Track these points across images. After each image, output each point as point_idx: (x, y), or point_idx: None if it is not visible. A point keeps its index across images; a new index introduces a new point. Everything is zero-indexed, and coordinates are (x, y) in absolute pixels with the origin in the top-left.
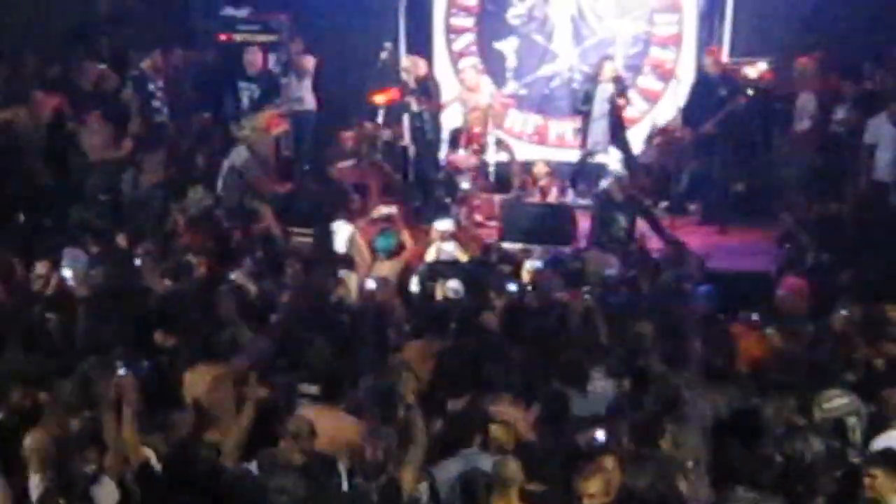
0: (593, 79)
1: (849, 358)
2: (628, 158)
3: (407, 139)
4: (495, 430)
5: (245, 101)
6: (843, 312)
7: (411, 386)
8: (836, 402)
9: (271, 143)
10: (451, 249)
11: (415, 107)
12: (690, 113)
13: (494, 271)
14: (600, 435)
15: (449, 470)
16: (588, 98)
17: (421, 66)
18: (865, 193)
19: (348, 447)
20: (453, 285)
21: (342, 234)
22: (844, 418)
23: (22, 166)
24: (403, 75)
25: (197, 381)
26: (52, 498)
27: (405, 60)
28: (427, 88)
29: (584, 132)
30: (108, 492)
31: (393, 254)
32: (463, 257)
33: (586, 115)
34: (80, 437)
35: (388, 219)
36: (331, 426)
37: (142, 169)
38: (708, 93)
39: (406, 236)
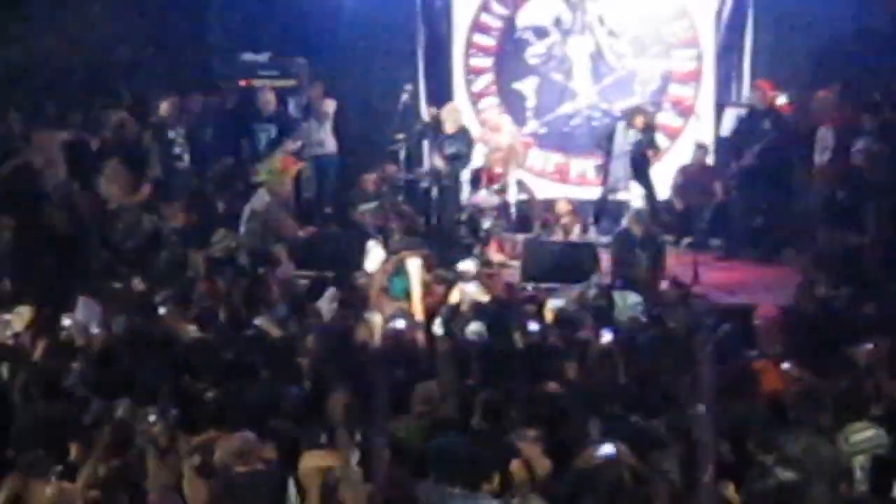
0: (616, 118)
1: (874, 392)
2: (650, 196)
3: (428, 181)
4: (517, 466)
5: (263, 143)
6: (868, 346)
7: None
8: (864, 434)
9: (290, 185)
10: (473, 290)
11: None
12: (734, 145)
13: (517, 312)
14: (608, 449)
15: None
16: (610, 137)
17: (459, 114)
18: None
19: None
20: (475, 328)
21: (375, 255)
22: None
23: (42, 212)
24: (431, 117)
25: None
26: None
27: (447, 108)
28: (464, 137)
29: (605, 170)
30: None
31: (408, 295)
32: (484, 298)
33: (607, 154)
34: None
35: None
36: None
37: (162, 216)
38: (753, 126)
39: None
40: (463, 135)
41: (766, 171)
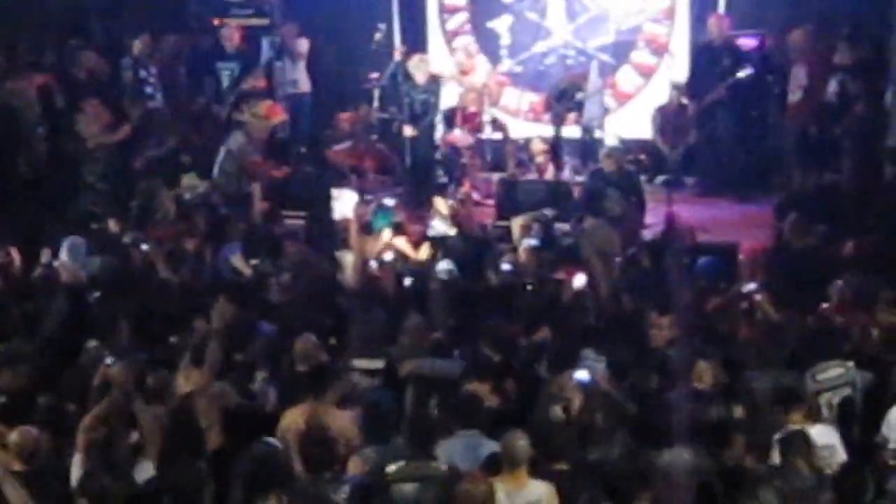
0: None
1: (845, 328)
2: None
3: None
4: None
5: (225, 81)
6: (839, 282)
7: None
8: (831, 372)
9: (268, 132)
10: (440, 226)
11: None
12: (695, 82)
13: (491, 250)
14: (581, 374)
15: (448, 451)
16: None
17: (428, 66)
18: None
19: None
20: (444, 266)
21: (347, 201)
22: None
23: (21, 151)
24: (413, 70)
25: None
26: (96, 478)
27: (415, 59)
28: (436, 88)
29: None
30: (146, 472)
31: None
32: (451, 231)
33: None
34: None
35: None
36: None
37: (151, 155)
38: (712, 61)
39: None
40: (432, 86)
41: (737, 109)
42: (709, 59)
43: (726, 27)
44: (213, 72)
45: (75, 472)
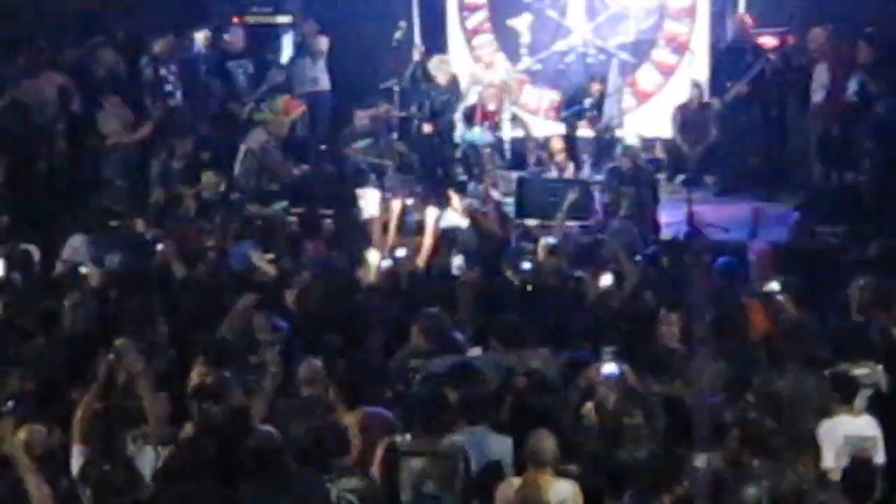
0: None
1: (865, 328)
2: None
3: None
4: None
5: (241, 80)
6: (860, 282)
7: None
8: (857, 371)
9: (288, 127)
10: (452, 217)
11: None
12: (718, 80)
13: (511, 248)
14: (609, 368)
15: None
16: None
17: (450, 67)
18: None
19: None
20: (458, 262)
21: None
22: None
23: (40, 150)
24: (434, 70)
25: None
26: (97, 466)
27: (436, 60)
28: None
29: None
30: (149, 459)
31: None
32: (463, 223)
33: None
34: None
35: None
36: None
37: (173, 154)
38: (735, 60)
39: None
40: (452, 86)
41: (753, 106)
42: (732, 58)
43: (749, 26)
44: (226, 71)
45: (75, 463)
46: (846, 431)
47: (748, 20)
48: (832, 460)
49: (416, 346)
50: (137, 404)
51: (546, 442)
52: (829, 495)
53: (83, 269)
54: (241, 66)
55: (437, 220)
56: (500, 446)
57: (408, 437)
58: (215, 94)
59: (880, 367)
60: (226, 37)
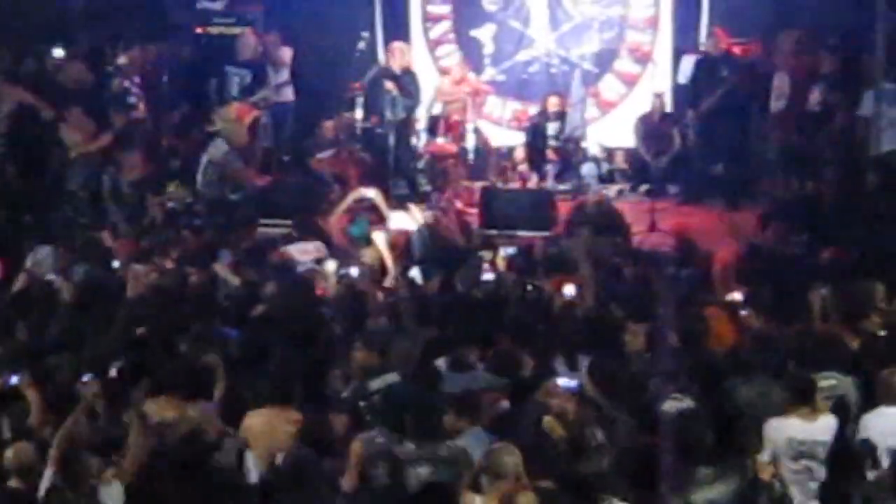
0: (573, 65)
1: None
2: None
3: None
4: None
5: (234, 88)
6: (822, 291)
7: None
8: (826, 382)
9: (246, 134)
10: (400, 220)
11: (395, 93)
12: (693, 92)
13: (470, 259)
14: (567, 381)
15: None
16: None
17: (407, 55)
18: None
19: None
20: (414, 273)
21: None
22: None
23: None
24: (388, 59)
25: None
26: (60, 493)
27: (396, 45)
28: (412, 78)
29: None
30: (115, 493)
31: (369, 240)
32: (412, 226)
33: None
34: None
35: (365, 202)
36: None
37: (122, 167)
38: (710, 73)
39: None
40: (410, 76)
41: (724, 118)
42: (706, 71)
43: (724, 38)
44: (220, 75)
45: (43, 485)
46: (792, 434)
47: (723, 33)
48: (767, 457)
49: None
50: (116, 435)
51: (506, 457)
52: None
53: (54, 281)
54: (238, 75)
55: (387, 239)
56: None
57: (410, 445)
58: (181, 106)
59: (849, 379)
60: (241, 39)
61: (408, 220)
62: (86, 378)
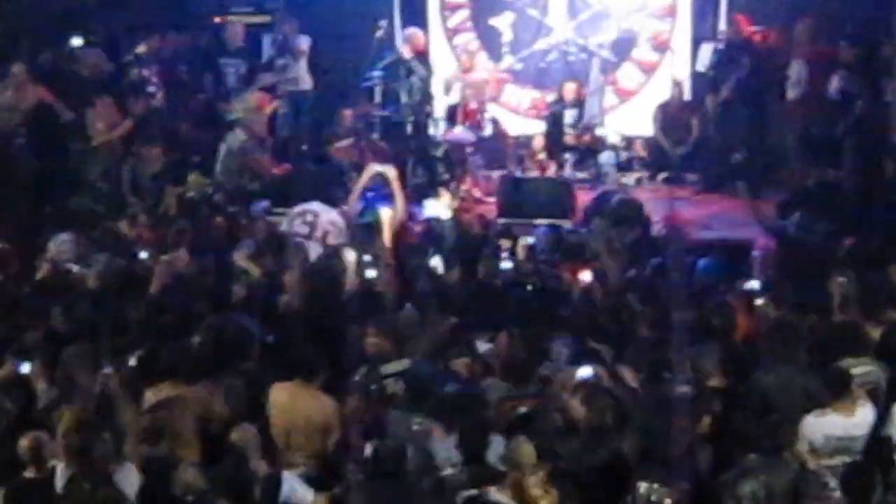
0: (591, 54)
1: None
2: None
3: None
4: None
5: (231, 79)
6: (840, 279)
7: None
8: (858, 370)
9: (265, 123)
10: (434, 207)
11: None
12: (712, 80)
13: (488, 248)
14: (585, 371)
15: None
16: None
17: (421, 40)
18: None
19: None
20: (434, 262)
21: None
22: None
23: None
24: (400, 45)
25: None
26: (77, 484)
27: (408, 31)
28: (425, 61)
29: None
30: (130, 476)
31: (378, 229)
32: (446, 213)
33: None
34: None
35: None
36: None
37: (141, 158)
38: (730, 61)
39: (398, 201)
40: (424, 64)
41: (742, 106)
42: (727, 58)
43: (744, 27)
44: (215, 68)
45: (59, 479)
46: (829, 431)
47: (745, 21)
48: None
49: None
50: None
51: (523, 446)
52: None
53: (75, 270)
54: (234, 66)
55: (392, 218)
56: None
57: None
58: (199, 95)
59: (876, 366)
60: (227, 30)
61: (440, 207)
62: (106, 370)
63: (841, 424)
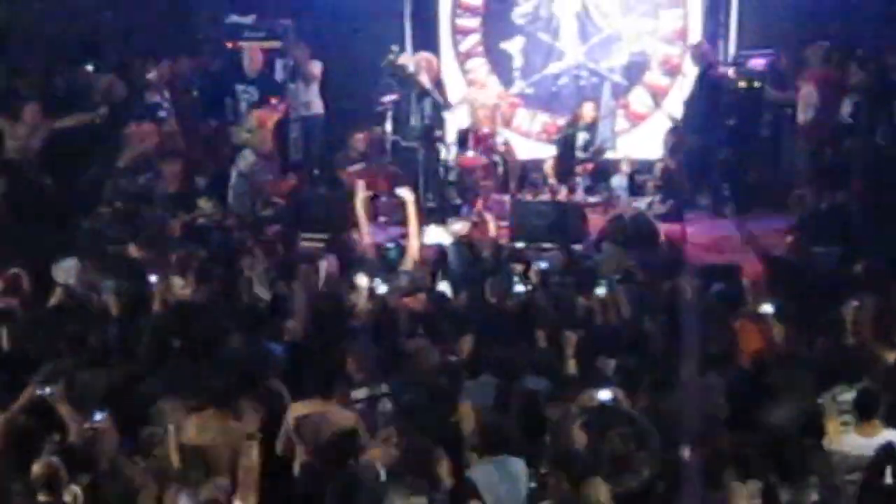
0: (603, 78)
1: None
2: None
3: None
4: None
5: (243, 105)
6: (854, 303)
7: None
8: (850, 394)
9: (271, 139)
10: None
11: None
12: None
13: (500, 272)
14: (605, 394)
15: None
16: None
17: (434, 64)
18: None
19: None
20: (442, 287)
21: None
22: None
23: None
24: (412, 69)
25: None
26: None
27: (420, 56)
28: (437, 85)
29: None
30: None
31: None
32: (446, 240)
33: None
34: None
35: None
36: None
37: (162, 176)
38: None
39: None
40: (438, 90)
41: (748, 129)
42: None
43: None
44: (231, 94)
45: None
46: (848, 450)
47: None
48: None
49: None
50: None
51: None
52: None
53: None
54: (248, 93)
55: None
56: (520, 467)
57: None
58: (211, 120)
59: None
60: (246, 55)
61: (442, 234)
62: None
63: (860, 444)
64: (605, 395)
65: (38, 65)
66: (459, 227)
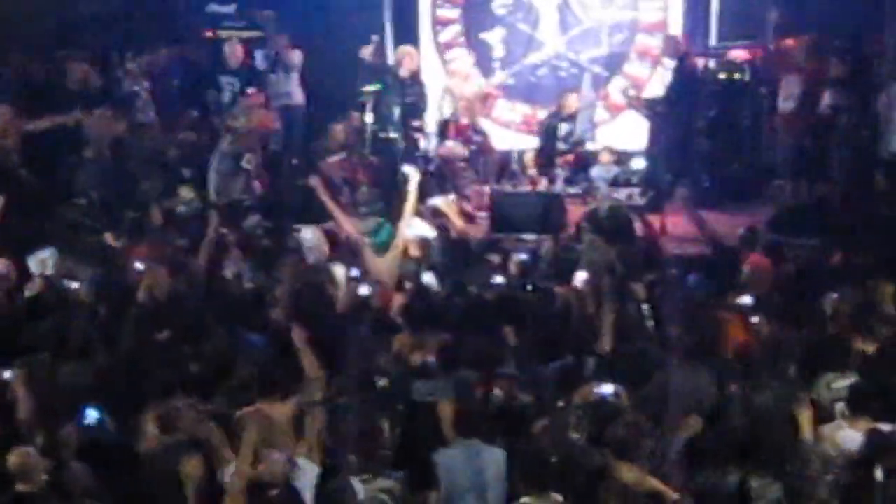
0: (583, 69)
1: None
2: None
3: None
4: None
5: (227, 96)
6: (834, 295)
7: None
8: (843, 382)
9: (258, 139)
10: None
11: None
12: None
13: (479, 263)
14: (606, 388)
15: (447, 460)
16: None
17: (415, 56)
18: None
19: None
20: (427, 279)
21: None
22: None
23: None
24: (393, 60)
25: None
26: None
27: (402, 48)
28: (417, 76)
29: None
30: None
31: (386, 248)
32: (430, 234)
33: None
34: None
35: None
36: None
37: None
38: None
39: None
40: (417, 82)
41: (728, 120)
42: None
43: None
44: (216, 85)
45: None
46: (843, 444)
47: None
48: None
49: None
50: None
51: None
52: None
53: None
54: (230, 83)
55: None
56: (494, 456)
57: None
58: (191, 110)
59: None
60: (226, 48)
61: (424, 225)
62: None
63: (853, 437)
64: (606, 388)
65: (14, 54)
66: (440, 201)
